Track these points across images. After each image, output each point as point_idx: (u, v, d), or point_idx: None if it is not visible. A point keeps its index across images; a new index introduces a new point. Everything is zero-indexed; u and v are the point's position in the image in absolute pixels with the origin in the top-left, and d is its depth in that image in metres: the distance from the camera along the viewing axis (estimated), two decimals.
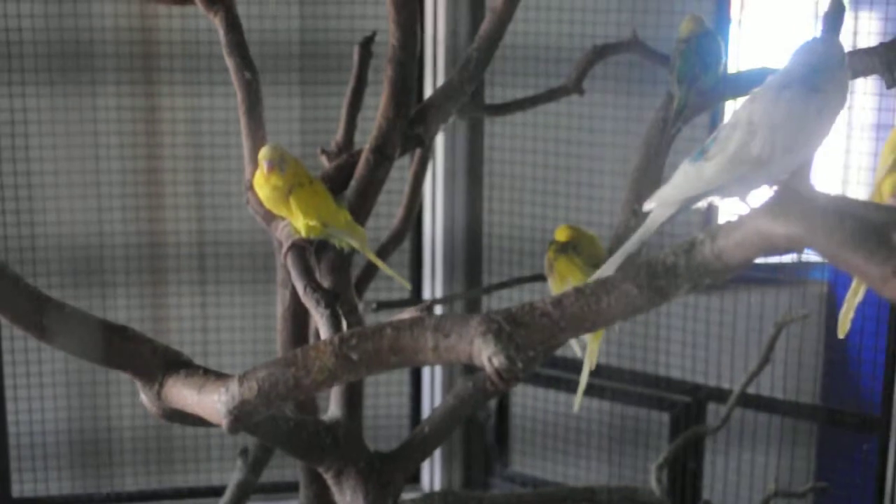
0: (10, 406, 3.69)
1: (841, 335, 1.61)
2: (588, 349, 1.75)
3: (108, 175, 3.71)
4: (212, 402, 1.25)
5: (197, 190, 3.78)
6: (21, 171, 3.63)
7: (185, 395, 1.29)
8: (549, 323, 1.08)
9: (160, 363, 1.32)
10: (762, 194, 1.16)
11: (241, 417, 1.24)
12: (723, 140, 1.18)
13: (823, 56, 1.18)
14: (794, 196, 1.02)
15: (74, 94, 3.61)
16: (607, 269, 1.29)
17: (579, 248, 1.70)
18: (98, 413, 3.75)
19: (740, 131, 1.16)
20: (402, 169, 2.77)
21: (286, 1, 3.69)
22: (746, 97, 1.22)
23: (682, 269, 1.05)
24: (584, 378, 1.74)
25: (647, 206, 1.27)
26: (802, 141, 1.13)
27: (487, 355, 1.05)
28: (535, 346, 1.11)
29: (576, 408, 1.83)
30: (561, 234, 1.75)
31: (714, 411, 3.47)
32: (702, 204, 1.21)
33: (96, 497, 3.77)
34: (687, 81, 1.94)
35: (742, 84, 2.09)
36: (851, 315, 1.58)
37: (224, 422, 1.24)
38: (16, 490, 3.75)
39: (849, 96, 1.24)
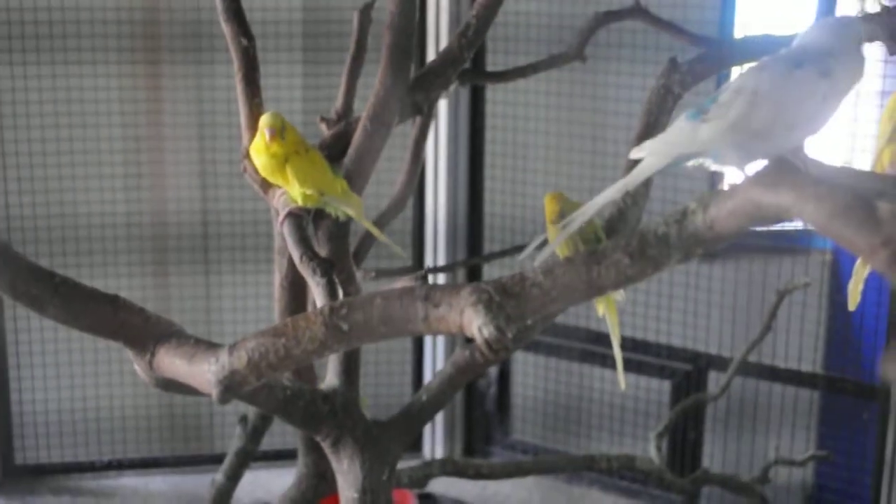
0: (12, 373, 3.70)
1: (852, 307, 1.58)
2: (609, 323, 1.74)
3: (111, 155, 3.69)
4: (202, 372, 1.25)
5: (201, 169, 3.77)
6: (22, 149, 3.61)
7: (176, 364, 1.28)
8: (539, 293, 1.07)
9: (152, 333, 1.31)
10: (757, 165, 1.14)
11: (231, 387, 1.23)
12: (723, 104, 1.16)
13: (839, 38, 1.16)
14: (788, 166, 1.00)
15: (75, 63, 3.59)
16: (586, 212, 1.26)
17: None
18: (100, 381, 3.75)
19: (743, 99, 1.14)
20: (405, 136, 2.76)
21: None
22: (753, 64, 1.20)
23: (674, 238, 1.04)
24: (618, 354, 1.72)
25: (635, 153, 1.25)
26: (804, 121, 1.10)
27: (477, 326, 1.04)
28: (527, 317, 1.10)
29: (622, 386, 1.80)
30: (550, 205, 1.73)
31: (715, 379, 3.47)
32: (692, 163, 1.19)
33: (98, 464, 3.79)
34: None
35: (746, 50, 2.07)
36: (861, 287, 1.56)
37: (214, 392, 1.23)
38: (18, 458, 3.77)
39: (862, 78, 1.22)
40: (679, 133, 1.19)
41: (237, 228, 3.75)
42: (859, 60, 1.16)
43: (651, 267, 1.05)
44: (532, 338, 2.01)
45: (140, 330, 1.31)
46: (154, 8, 3.65)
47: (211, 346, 1.27)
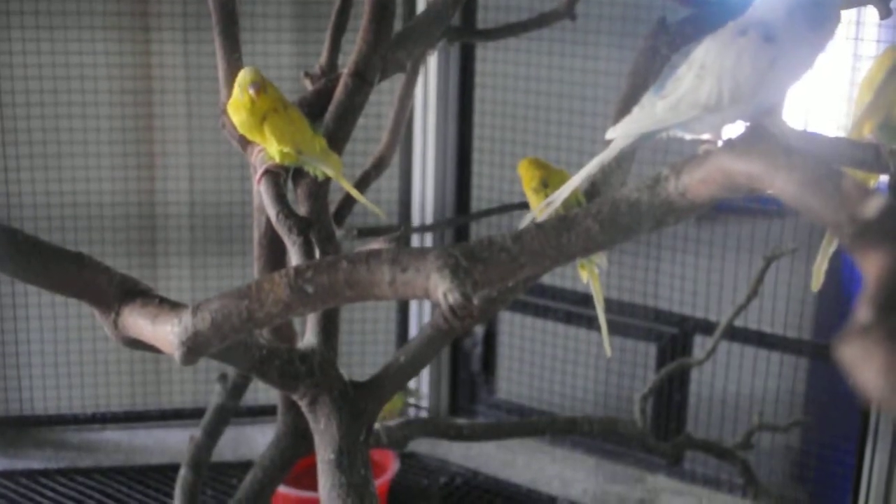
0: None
1: (815, 288, 1.55)
2: (593, 289, 1.72)
3: (97, 120, 3.64)
4: (165, 333, 1.23)
5: (190, 162, 3.73)
6: (9, 133, 3.57)
7: (140, 325, 1.26)
8: (507, 259, 1.05)
9: (117, 292, 1.29)
10: (734, 130, 1.11)
11: (194, 349, 1.21)
12: (678, 78, 1.13)
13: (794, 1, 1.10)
14: (762, 133, 0.98)
15: (60, 41, 3.54)
16: (563, 191, 1.26)
17: (549, 185, 1.67)
18: (83, 335, 3.73)
19: (692, 74, 1.11)
20: (393, 93, 2.73)
21: None
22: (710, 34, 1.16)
23: (646, 205, 1.02)
24: (602, 318, 1.71)
25: (610, 134, 1.23)
26: (753, 91, 1.06)
27: (443, 291, 1.02)
28: (495, 282, 1.08)
29: (607, 352, 1.78)
30: (530, 171, 1.70)
31: (701, 343, 3.45)
32: (663, 136, 1.16)
33: (81, 417, 3.78)
34: None
35: (741, 11, 2.04)
36: (826, 266, 1.53)
37: (177, 353, 1.21)
38: (0, 410, 3.76)
39: (834, 32, 1.16)
40: (642, 110, 1.17)
41: (223, 223, 3.70)
42: (823, 20, 1.09)
43: (622, 234, 1.03)
44: (515, 298, 2.00)
45: (105, 289, 1.28)
46: None
47: (175, 307, 1.25)
